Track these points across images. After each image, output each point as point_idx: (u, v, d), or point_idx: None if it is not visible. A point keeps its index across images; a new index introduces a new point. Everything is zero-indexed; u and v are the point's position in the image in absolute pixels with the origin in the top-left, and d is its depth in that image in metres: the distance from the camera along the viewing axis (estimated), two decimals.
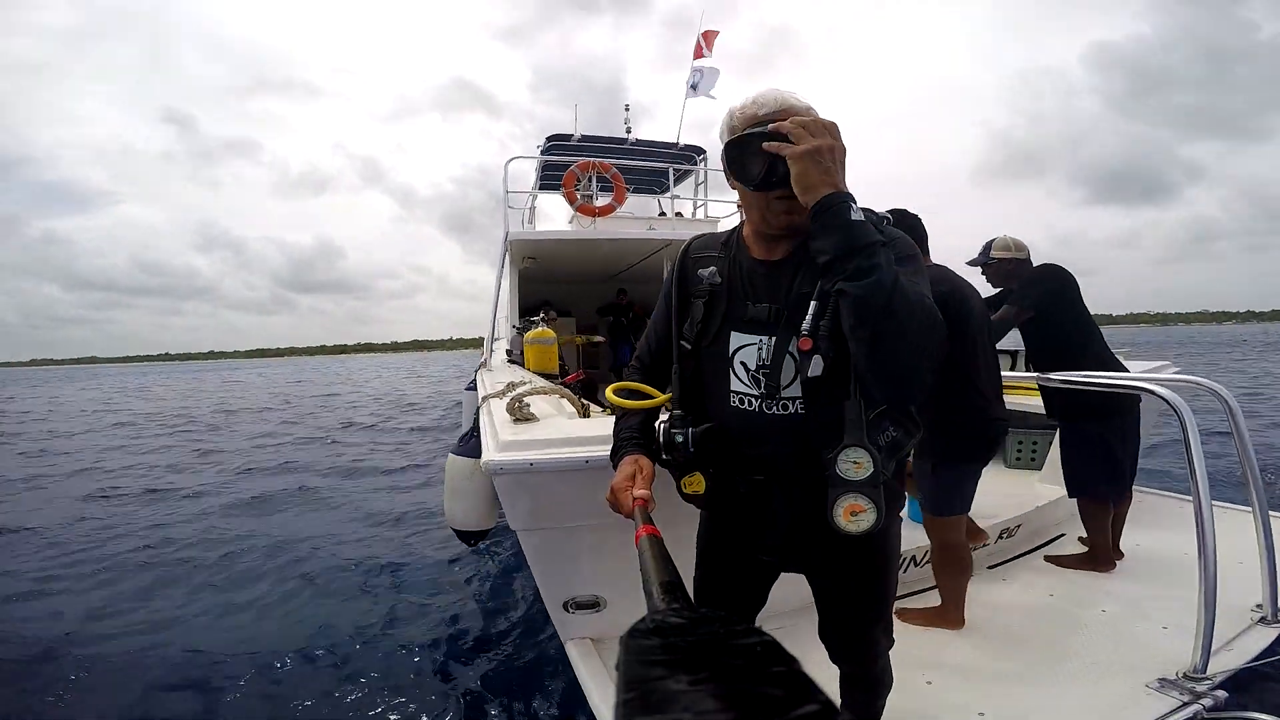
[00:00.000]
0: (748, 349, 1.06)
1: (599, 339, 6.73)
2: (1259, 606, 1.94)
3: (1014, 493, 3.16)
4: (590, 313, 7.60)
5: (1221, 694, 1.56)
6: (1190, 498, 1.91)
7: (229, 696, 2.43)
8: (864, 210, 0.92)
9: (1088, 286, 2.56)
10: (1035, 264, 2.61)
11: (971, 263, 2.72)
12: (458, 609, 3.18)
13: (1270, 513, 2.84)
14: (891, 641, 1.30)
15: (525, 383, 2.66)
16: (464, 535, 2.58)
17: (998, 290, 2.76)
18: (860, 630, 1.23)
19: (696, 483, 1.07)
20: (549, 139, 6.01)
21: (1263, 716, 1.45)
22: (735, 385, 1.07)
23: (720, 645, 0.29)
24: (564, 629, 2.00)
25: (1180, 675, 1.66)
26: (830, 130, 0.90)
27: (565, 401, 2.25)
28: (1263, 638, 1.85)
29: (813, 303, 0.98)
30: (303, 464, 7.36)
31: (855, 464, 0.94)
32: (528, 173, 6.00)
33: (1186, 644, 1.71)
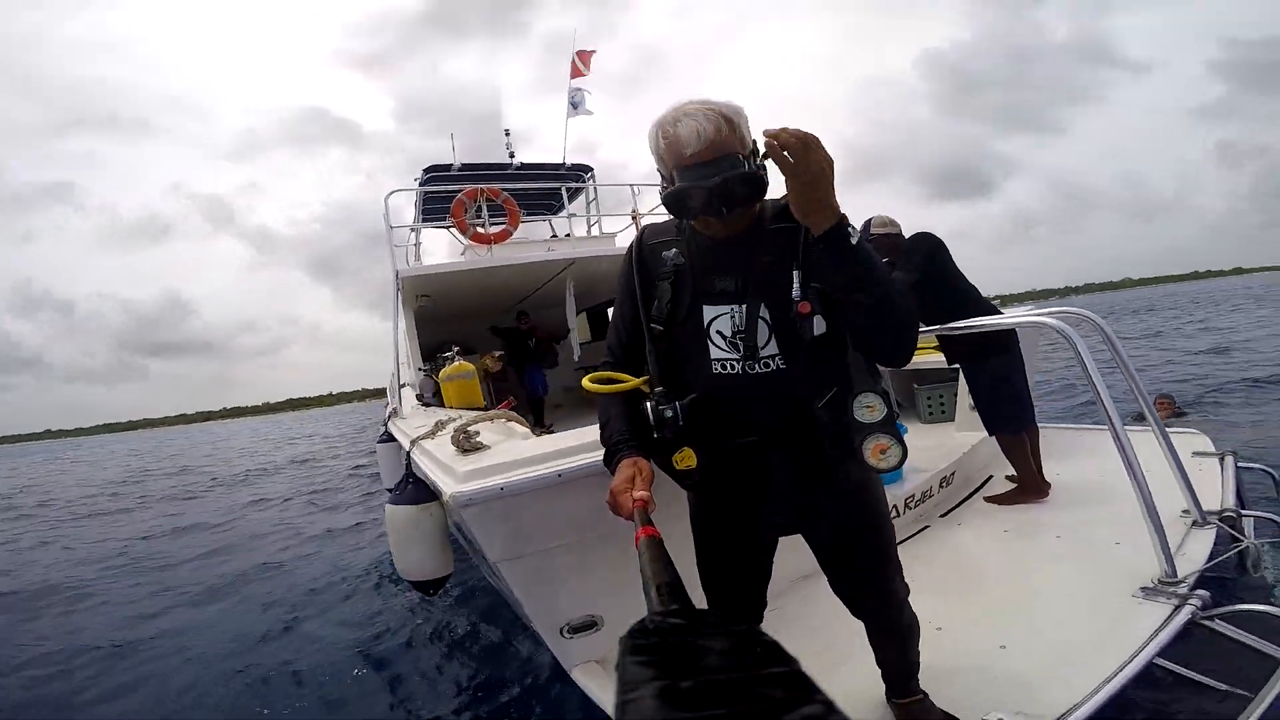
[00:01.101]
0: (721, 318, 1.11)
1: (498, 355, 6.25)
2: (1185, 512, 2.13)
3: (939, 444, 3.34)
4: (496, 346, 7.19)
5: (1205, 593, 1.66)
6: (1086, 426, 2.11)
7: None
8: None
9: None
10: (907, 235, 2.87)
11: None
12: (442, 666, 2.87)
13: (1142, 427, 3.27)
14: (908, 588, 1.33)
15: (454, 418, 2.44)
16: (421, 585, 2.34)
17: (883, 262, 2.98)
18: (874, 578, 1.28)
19: (688, 457, 1.09)
20: (426, 170, 5.68)
21: (1257, 606, 1.54)
22: (715, 353, 1.11)
23: (721, 646, 0.29)
24: (566, 657, 1.81)
25: (1158, 583, 1.76)
26: (817, 146, 0.91)
27: (513, 424, 2.10)
28: (1204, 540, 2.02)
29: (796, 271, 1.05)
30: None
31: (869, 408, 1.03)
32: (405, 208, 5.58)
33: (1142, 556, 1.83)
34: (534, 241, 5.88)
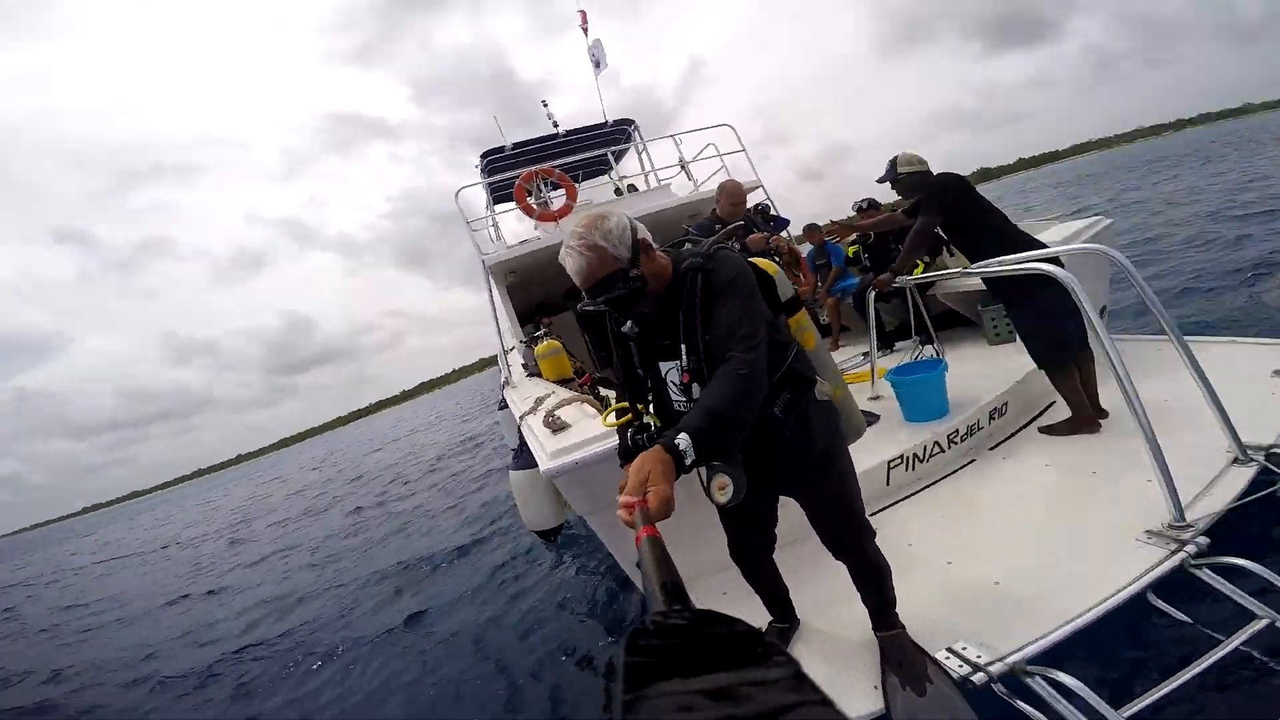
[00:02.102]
0: (671, 371, 1.44)
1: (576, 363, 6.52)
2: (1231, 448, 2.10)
3: (999, 369, 3.34)
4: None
5: (1203, 540, 1.75)
6: (1161, 338, 2.09)
7: None
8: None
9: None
10: (935, 173, 2.86)
11: (880, 180, 2.99)
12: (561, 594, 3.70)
13: (1232, 338, 3.04)
14: (873, 532, 1.66)
15: (550, 394, 3.03)
16: (543, 534, 3.05)
17: (912, 201, 2.96)
18: (842, 528, 1.62)
19: None
20: (484, 156, 6.04)
21: (1238, 561, 1.65)
22: (673, 394, 1.45)
23: (721, 647, 0.29)
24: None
25: (1165, 526, 1.86)
26: (628, 507, 1.01)
27: (586, 405, 2.61)
28: (1239, 478, 2.01)
29: (682, 346, 1.34)
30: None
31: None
32: (477, 193, 5.96)
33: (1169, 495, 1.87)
34: (596, 204, 6.12)
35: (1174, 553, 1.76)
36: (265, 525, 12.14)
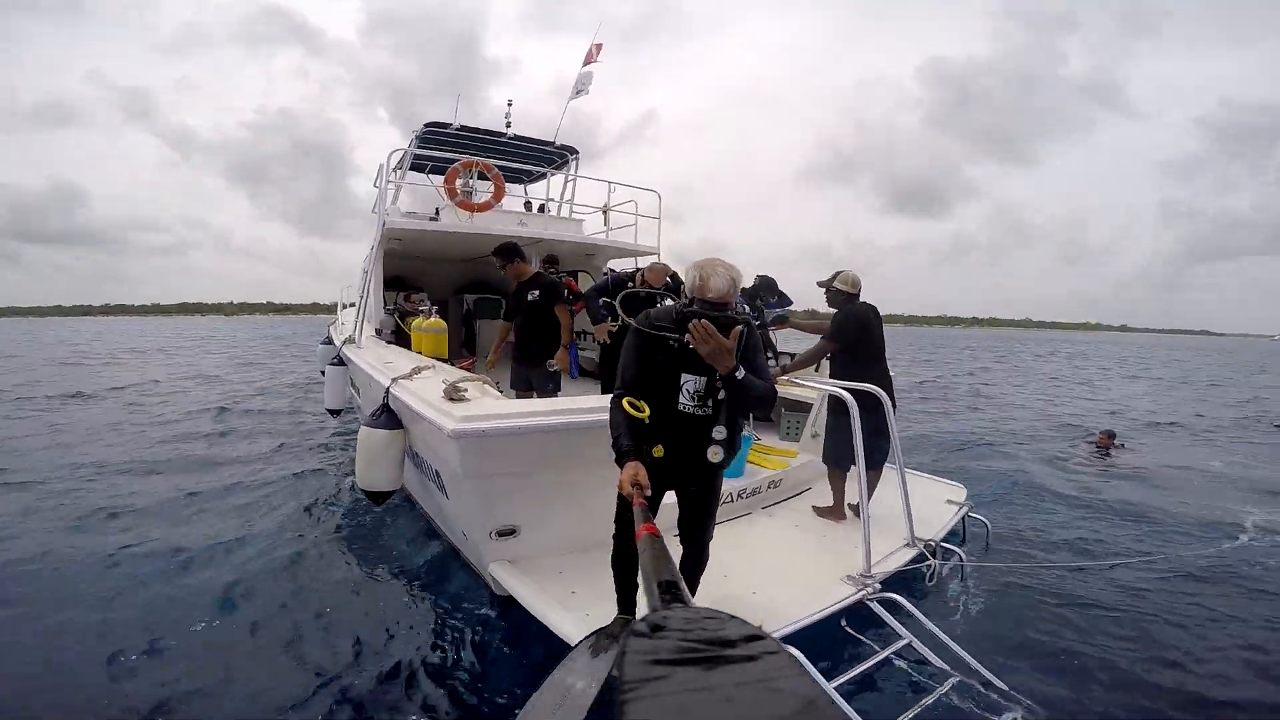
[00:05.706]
0: (690, 381, 2.00)
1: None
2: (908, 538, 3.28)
3: (780, 460, 4.38)
4: (441, 287, 7.76)
5: (878, 584, 2.75)
6: (916, 473, 3.14)
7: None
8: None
9: (866, 286, 3.62)
10: (858, 303, 3.61)
11: (820, 283, 3.75)
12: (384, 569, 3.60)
13: (923, 473, 4.44)
14: (712, 534, 2.33)
15: (430, 366, 3.22)
16: (374, 496, 3.09)
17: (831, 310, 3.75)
18: (703, 523, 2.26)
19: (658, 450, 1.98)
20: (426, 125, 6.00)
21: (894, 596, 2.67)
22: (683, 400, 2.01)
23: (720, 644, 0.30)
24: (489, 553, 2.69)
25: (859, 574, 2.82)
26: (710, 339, 1.82)
27: (487, 386, 2.86)
28: (907, 554, 3.15)
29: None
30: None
31: (720, 429, 1.96)
32: (384, 154, 5.60)
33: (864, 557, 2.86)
34: (507, 212, 6.26)
35: (859, 590, 2.71)
36: None
